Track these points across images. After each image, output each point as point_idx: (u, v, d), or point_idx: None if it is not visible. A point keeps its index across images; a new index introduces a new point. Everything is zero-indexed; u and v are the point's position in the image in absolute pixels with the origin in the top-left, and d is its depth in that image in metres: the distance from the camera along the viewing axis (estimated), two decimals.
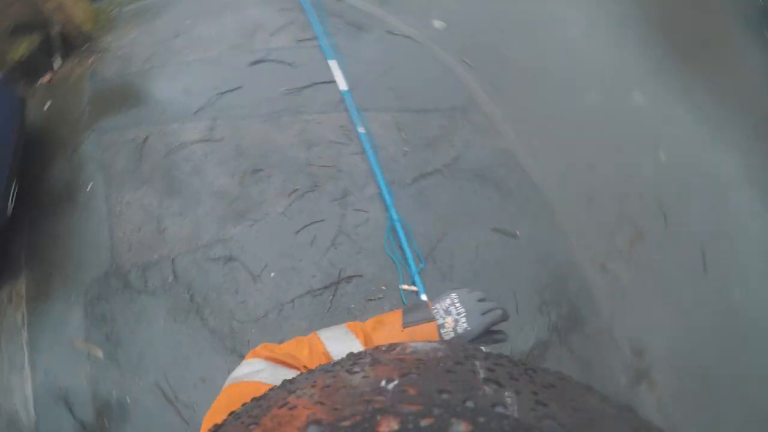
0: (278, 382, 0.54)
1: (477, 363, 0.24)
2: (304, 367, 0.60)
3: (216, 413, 0.49)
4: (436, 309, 0.64)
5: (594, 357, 2.17)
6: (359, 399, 0.21)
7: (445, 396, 0.20)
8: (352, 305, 2.16)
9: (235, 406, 0.47)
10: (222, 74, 3.03)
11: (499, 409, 0.19)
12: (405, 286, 2.20)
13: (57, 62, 3.27)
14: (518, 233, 2.44)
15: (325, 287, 2.20)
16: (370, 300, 2.18)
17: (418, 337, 0.59)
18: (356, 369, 0.25)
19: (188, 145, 2.69)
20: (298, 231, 2.36)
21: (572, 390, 0.23)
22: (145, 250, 2.31)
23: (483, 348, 0.60)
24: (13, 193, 2.38)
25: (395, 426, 0.18)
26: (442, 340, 0.46)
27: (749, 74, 3.36)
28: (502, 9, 3.59)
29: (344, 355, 0.59)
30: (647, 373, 2.14)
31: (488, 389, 0.21)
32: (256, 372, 0.55)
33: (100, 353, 2.04)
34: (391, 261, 2.28)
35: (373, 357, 0.28)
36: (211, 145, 2.69)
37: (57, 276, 2.29)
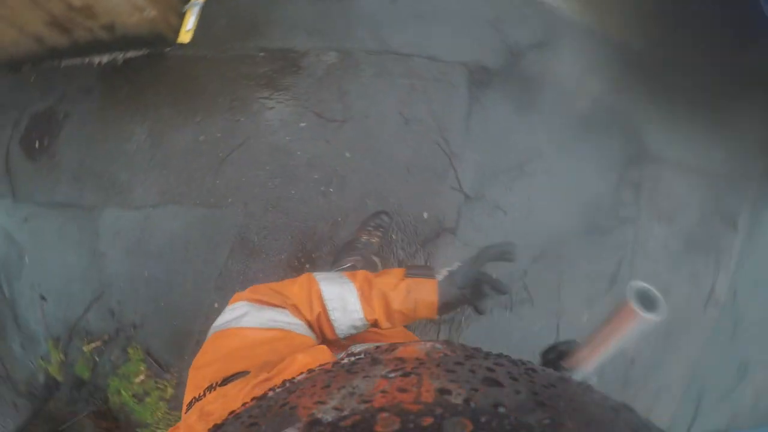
0: (264, 324, 0.54)
1: (477, 363, 0.24)
2: (293, 306, 0.60)
3: (201, 366, 0.49)
4: (438, 270, 0.66)
5: None
6: (359, 399, 0.21)
7: (445, 396, 0.20)
8: None
9: (220, 362, 0.47)
10: None
11: (500, 409, 0.19)
12: None
13: None
14: None
15: None
16: None
17: (417, 286, 0.62)
18: (356, 369, 0.25)
19: None
20: None
21: (572, 390, 0.23)
22: None
23: (487, 290, 0.60)
24: None
25: (395, 426, 0.18)
26: (443, 341, 0.47)
27: None
28: None
29: (337, 296, 0.60)
30: None
31: (488, 389, 0.21)
32: (239, 317, 0.55)
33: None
34: None
35: (373, 357, 0.28)
36: None
37: None
